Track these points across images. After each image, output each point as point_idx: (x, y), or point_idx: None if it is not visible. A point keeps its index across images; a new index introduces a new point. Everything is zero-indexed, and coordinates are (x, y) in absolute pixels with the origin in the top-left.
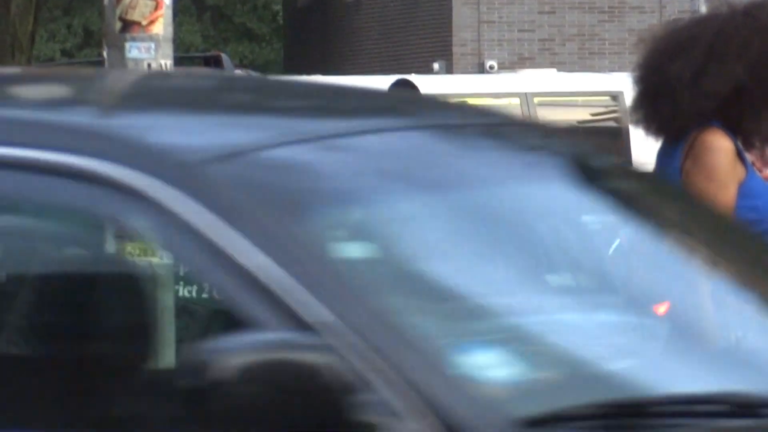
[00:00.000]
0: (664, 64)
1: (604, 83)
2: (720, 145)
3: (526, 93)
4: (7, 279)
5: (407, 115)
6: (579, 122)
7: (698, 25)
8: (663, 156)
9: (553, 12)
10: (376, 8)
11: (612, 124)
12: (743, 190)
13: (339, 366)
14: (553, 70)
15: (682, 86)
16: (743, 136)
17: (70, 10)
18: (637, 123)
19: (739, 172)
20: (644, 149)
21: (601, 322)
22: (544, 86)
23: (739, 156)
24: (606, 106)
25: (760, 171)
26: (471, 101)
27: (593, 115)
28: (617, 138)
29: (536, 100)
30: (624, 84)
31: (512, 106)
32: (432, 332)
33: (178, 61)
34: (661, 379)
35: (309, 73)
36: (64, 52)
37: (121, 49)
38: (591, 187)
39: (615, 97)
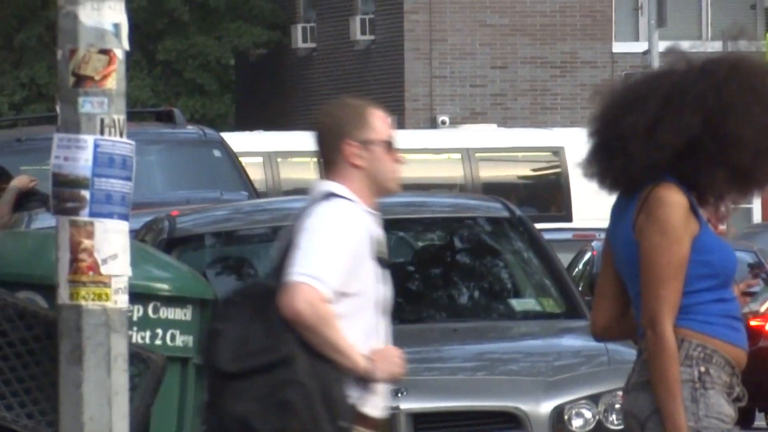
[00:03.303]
0: (619, 117)
1: (545, 138)
2: (674, 199)
3: (467, 149)
4: None
5: None
6: (520, 177)
7: (655, 79)
8: (617, 210)
9: (505, 67)
10: (328, 63)
11: (553, 178)
12: (697, 245)
13: None
14: (494, 126)
15: (636, 138)
16: (698, 192)
17: (19, 64)
18: (591, 177)
19: (693, 227)
20: (584, 203)
21: None
22: (485, 142)
23: (693, 211)
24: (547, 161)
25: (715, 228)
26: (414, 156)
27: (534, 170)
28: (558, 192)
29: (477, 155)
30: (565, 139)
31: (453, 161)
32: None
33: (131, 116)
34: None
35: (260, 127)
36: (12, 106)
37: (74, 104)
38: None
39: (556, 152)
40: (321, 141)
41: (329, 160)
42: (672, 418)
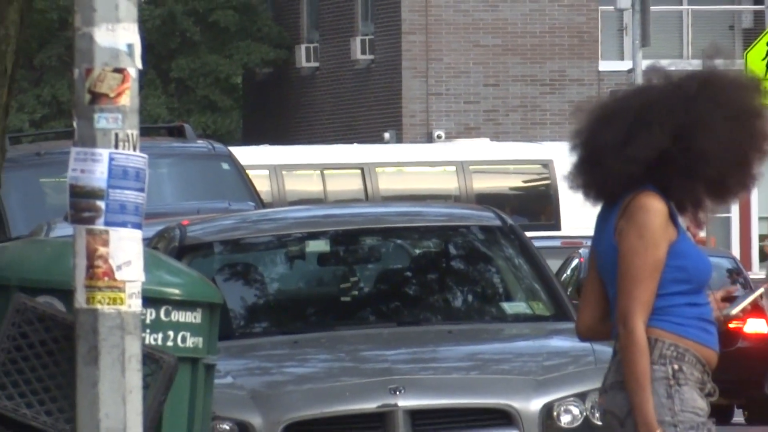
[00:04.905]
0: (597, 132)
1: (535, 152)
2: (654, 206)
3: (461, 162)
4: None
5: None
6: (511, 188)
7: (632, 95)
8: (601, 219)
9: (497, 85)
10: (330, 81)
11: (542, 189)
12: (673, 251)
13: None
14: (487, 140)
15: (610, 152)
16: (675, 199)
17: (40, 81)
18: (576, 189)
19: (671, 233)
20: (572, 213)
21: None
22: (478, 155)
23: (672, 219)
24: (537, 174)
25: (695, 235)
26: (411, 168)
27: (525, 182)
28: (547, 203)
29: (471, 168)
30: (554, 153)
31: (448, 173)
32: None
33: (144, 131)
34: None
35: (266, 142)
36: (33, 123)
37: (90, 120)
38: None
39: (545, 165)
40: None
41: None
42: (640, 409)
